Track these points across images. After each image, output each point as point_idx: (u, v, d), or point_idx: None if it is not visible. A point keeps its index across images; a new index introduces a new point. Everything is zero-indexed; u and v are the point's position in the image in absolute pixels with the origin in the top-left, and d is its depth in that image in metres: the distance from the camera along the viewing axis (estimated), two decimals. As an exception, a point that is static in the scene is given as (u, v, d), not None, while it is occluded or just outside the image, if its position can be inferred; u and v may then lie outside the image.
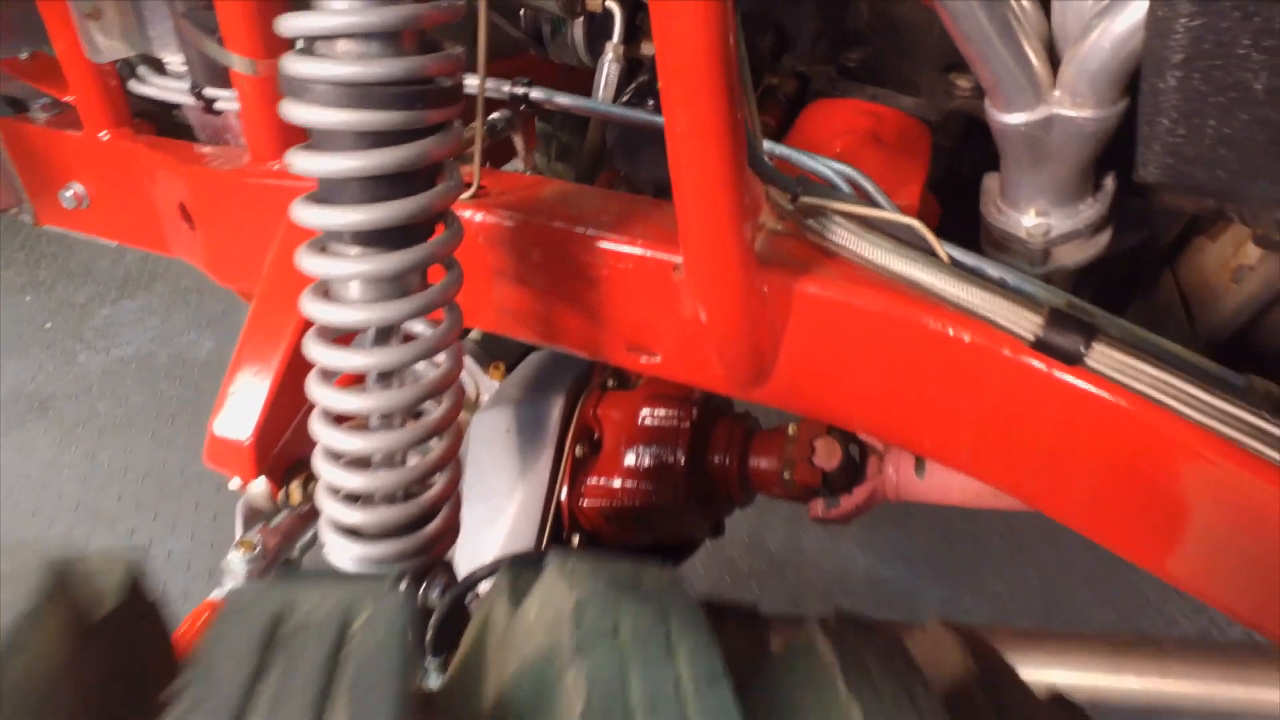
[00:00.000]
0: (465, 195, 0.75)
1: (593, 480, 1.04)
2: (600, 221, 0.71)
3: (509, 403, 1.16)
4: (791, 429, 1.00)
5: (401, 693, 0.26)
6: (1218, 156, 0.50)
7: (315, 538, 1.03)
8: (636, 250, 0.69)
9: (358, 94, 0.53)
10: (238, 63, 0.79)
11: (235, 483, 0.82)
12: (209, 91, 0.95)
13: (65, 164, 1.10)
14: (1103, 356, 0.57)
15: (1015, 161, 0.73)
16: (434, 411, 0.67)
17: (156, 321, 2.89)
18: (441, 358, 0.64)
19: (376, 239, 0.58)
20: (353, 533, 0.70)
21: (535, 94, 0.88)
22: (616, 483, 1.03)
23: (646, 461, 1.01)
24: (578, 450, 1.04)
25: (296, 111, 0.55)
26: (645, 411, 1.03)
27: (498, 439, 1.13)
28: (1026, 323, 0.59)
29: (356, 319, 0.60)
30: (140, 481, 2.26)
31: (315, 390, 0.64)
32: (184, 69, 0.99)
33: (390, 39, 0.53)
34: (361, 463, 0.67)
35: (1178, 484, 0.59)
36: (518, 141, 0.90)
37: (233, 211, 0.93)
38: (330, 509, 0.69)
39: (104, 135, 1.04)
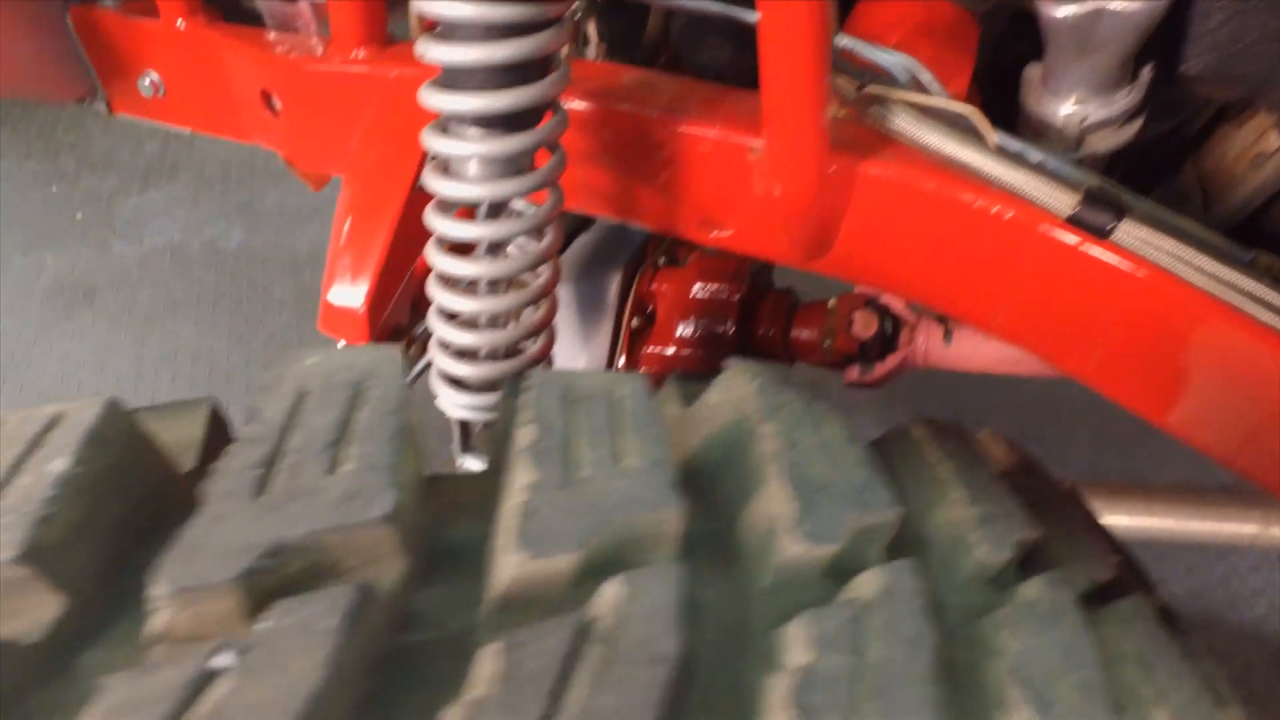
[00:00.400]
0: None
1: (648, 349, 1.15)
2: (679, 107, 0.78)
3: (566, 281, 1.26)
4: (831, 302, 1.10)
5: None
6: (1262, 51, 0.57)
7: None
8: (715, 134, 0.77)
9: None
10: (331, -47, 0.83)
11: (343, 345, 0.93)
12: (290, -21, 0.99)
13: (141, 52, 1.15)
14: (1129, 232, 0.66)
15: (1059, 52, 0.79)
16: (535, 281, 0.76)
17: (184, 212, 2.95)
18: (545, 232, 0.73)
19: (496, 123, 0.66)
20: (461, 384, 0.81)
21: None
22: (670, 351, 1.14)
23: (698, 332, 1.11)
24: (634, 322, 1.14)
25: (428, 5, 0.61)
26: (697, 286, 1.13)
27: (560, 314, 1.23)
28: (1062, 201, 0.67)
29: (476, 194, 0.69)
30: (191, 365, 2.38)
31: (434, 258, 0.73)
32: (256, -44, 1.02)
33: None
34: (471, 323, 0.77)
35: (1188, 346, 0.69)
36: (590, 31, 0.95)
37: (320, 98, 0.99)
38: (442, 363, 0.80)
39: (180, 23, 1.09)
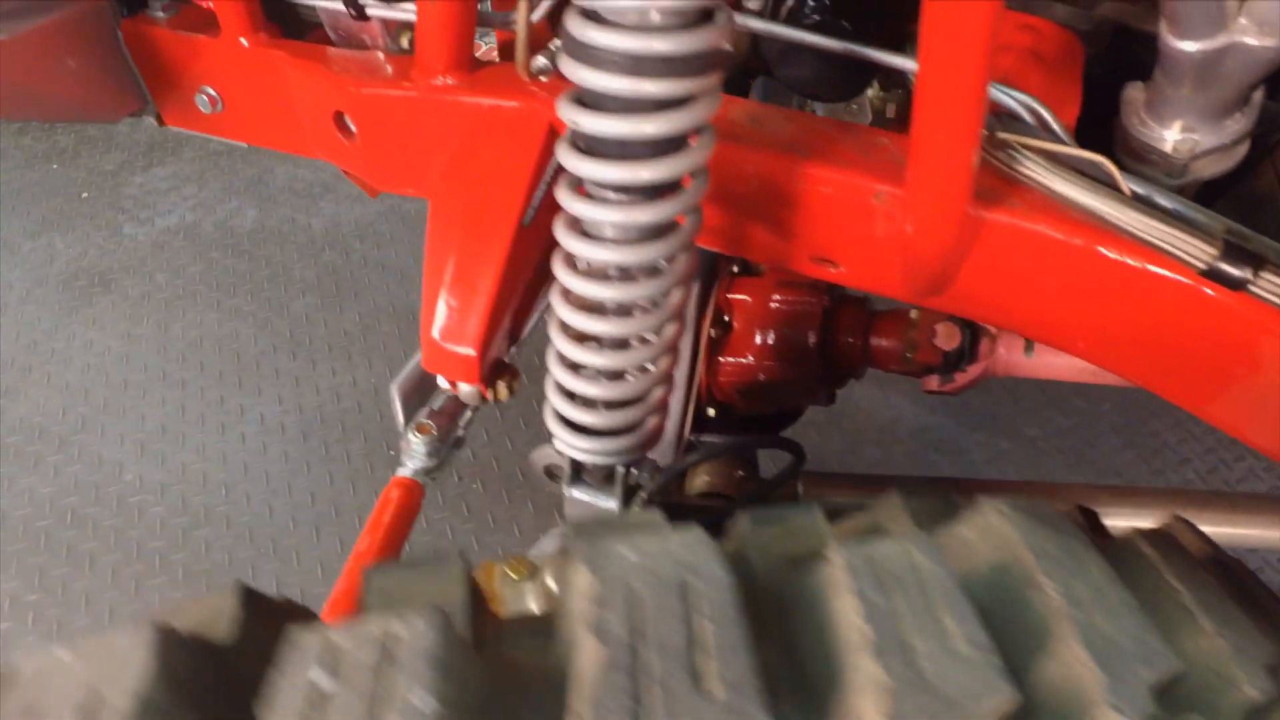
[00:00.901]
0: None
1: (726, 358, 1.16)
2: (796, 145, 0.78)
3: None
4: (914, 314, 1.10)
5: (753, 652, 0.35)
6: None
7: (471, 419, 1.15)
8: (840, 178, 0.76)
9: (643, 63, 0.58)
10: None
11: (443, 382, 0.93)
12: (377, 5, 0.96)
13: (198, 68, 1.11)
14: (1267, 283, 0.67)
15: (1175, 81, 0.78)
16: (662, 336, 0.76)
17: (193, 189, 2.88)
18: (674, 292, 0.73)
19: (639, 192, 0.65)
20: (582, 429, 0.82)
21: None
22: (749, 359, 1.15)
23: (779, 341, 1.12)
24: (712, 332, 1.15)
25: (580, 73, 0.60)
26: (777, 296, 1.13)
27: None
28: (1201, 252, 0.68)
29: (613, 258, 0.68)
30: (217, 352, 2.36)
31: (561, 309, 0.73)
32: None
33: (679, 13, 0.57)
34: (596, 372, 0.77)
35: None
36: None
37: (402, 124, 0.97)
38: (561, 407, 0.81)
39: (244, 41, 1.05)
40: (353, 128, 1.03)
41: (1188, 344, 0.72)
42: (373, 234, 2.69)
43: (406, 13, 0.92)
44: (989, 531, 0.39)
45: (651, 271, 0.71)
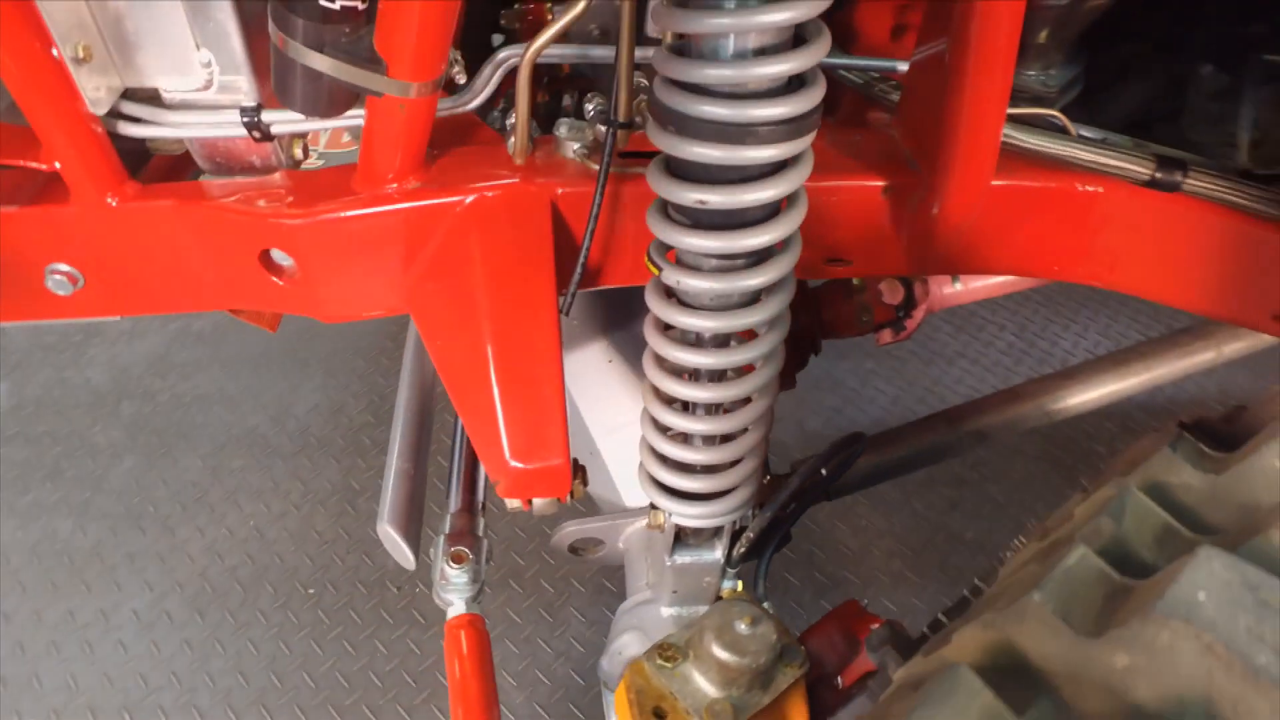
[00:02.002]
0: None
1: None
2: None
3: (593, 338, 1.24)
4: (857, 282, 1.21)
5: None
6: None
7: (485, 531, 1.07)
8: (848, 182, 0.82)
9: (739, 132, 0.59)
10: (388, 85, 0.73)
11: (516, 504, 0.85)
12: (269, 116, 0.85)
13: (44, 245, 0.91)
14: (1192, 184, 0.83)
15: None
16: (760, 403, 0.77)
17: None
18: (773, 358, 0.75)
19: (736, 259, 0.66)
20: (699, 497, 0.82)
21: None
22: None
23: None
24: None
25: (674, 144, 0.60)
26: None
27: (603, 371, 1.21)
28: (1140, 168, 0.83)
29: (713, 326, 0.69)
30: (36, 561, 1.93)
31: (655, 375, 0.73)
32: (185, 94, 0.85)
33: (773, 81, 0.58)
34: (717, 437, 0.77)
35: (1219, 243, 0.89)
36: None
37: (358, 244, 0.87)
38: (681, 483, 0.80)
39: (111, 200, 0.88)
40: (286, 264, 0.91)
41: (1139, 240, 0.88)
42: (172, 366, 2.33)
43: (351, 119, 0.82)
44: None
45: (774, 324, 0.72)
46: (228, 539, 1.95)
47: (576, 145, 0.85)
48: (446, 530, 1.06)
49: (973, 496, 1.96)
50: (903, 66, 0.87)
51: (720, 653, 0.79)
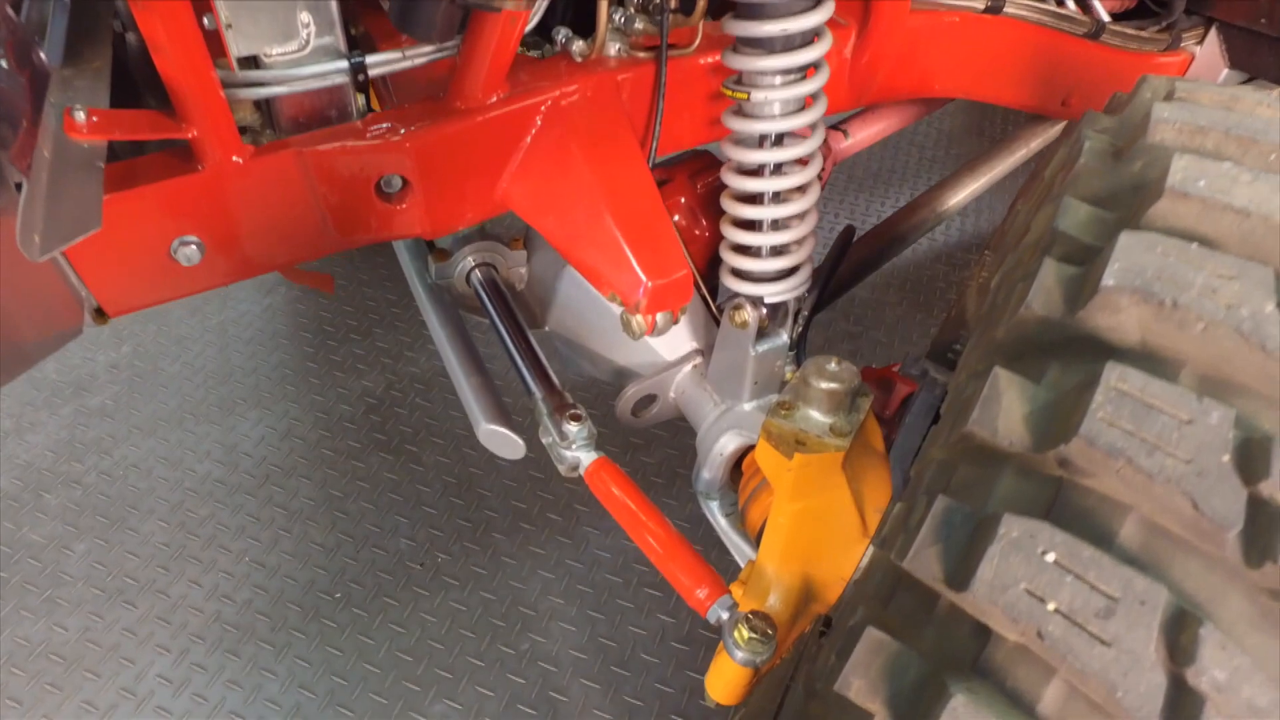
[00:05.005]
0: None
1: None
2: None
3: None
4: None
5: None
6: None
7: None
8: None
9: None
10: (504, 1, 0.94)
11: (641, 326, 1.08)
12: (374, 58, 1.01)
13: (172, 220, 1.00)
14: (1108, 36, 1.25)
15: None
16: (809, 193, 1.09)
17: None
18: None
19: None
20: (775, 277, 1.11)
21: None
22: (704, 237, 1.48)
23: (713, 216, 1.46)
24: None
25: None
26: (698, 184, 1.46)
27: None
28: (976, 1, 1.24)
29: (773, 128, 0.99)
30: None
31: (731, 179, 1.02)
32: (286, 56, 0.99)
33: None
34: (788, 219, 1.07)
35: (1044, 53, 1.32)
36: None
37: (466, 155, 1.06)
38: (768, 266, 1.09)
39: (237, 159, 0.99)
40: (401, 186, 1.07)
41: (1067, 72, 1.29)
42: (84, 447, 2.18)
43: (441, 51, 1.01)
44: None
45: (815, 128, 1.03)
46: (229, 580, 1.91)
47: (618, 45, 1.10)
48: (546, 411, 1.23)
49: (867, 343, 2.40)
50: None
51: (824, 384, 1.07)
